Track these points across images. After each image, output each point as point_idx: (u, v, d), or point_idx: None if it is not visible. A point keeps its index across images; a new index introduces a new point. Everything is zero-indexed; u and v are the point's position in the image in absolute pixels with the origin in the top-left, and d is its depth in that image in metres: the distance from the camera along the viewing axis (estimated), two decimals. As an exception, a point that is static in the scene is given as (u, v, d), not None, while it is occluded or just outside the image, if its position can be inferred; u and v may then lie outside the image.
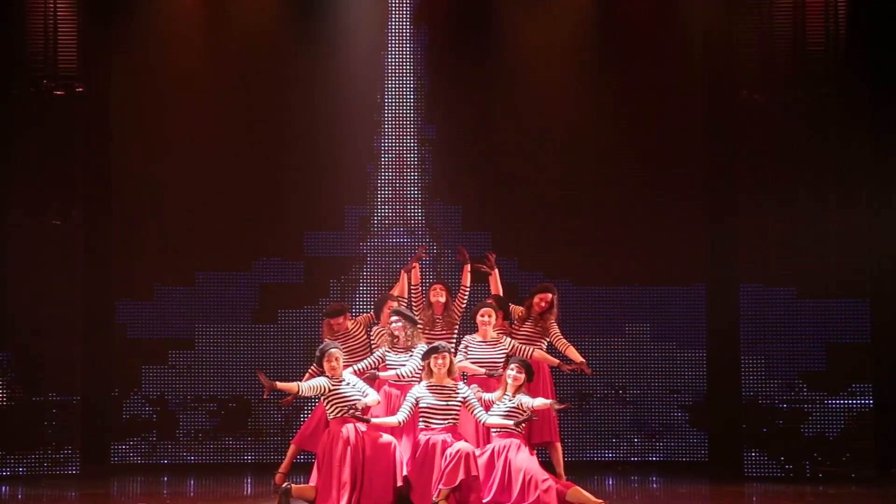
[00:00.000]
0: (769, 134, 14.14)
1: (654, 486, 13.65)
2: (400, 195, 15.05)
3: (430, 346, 11.33)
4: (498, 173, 14.97)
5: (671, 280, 14.82)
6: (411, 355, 11.64)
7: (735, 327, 14.18)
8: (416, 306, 12.28)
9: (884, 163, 14.20)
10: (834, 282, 13.95)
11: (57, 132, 14.11)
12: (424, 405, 11.15)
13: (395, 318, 11.76)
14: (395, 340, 11.76)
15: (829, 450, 13.87)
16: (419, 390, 11.20)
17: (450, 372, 11.21)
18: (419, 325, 11.98)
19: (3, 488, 13.30)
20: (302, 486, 11.12)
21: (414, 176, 15.06)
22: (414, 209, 15.05)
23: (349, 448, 10.95)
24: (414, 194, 15.06)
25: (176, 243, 14.78)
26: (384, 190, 15.04)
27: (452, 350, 11.59)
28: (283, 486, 10.95)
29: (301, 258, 14.88)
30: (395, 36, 15.05)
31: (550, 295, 12.09)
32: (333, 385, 11.09)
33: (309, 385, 11.08)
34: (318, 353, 11.24)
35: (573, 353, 11.89)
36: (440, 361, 11.15)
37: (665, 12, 14.90)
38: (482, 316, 11.81)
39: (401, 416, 11.18)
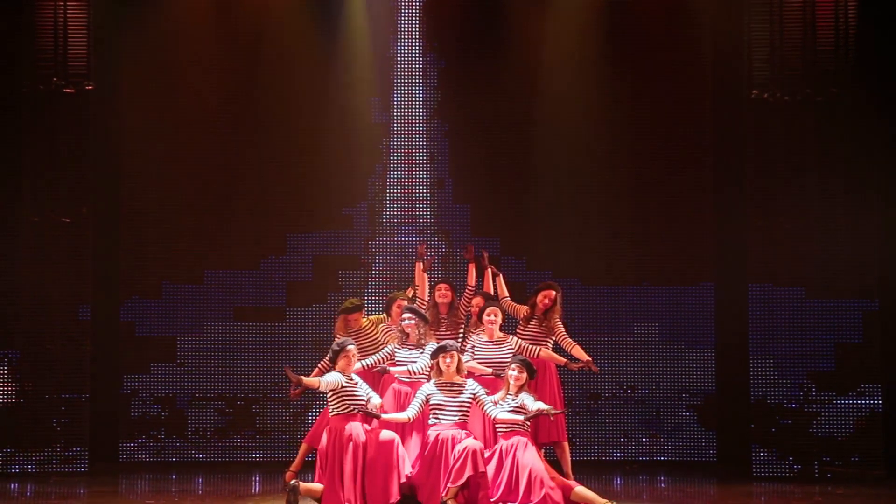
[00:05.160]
0: (779, 133, 14.11)
1: (662, 485, 13.62)
2: (409, 194, 15.05)
3: (439, 345, 11.34)
4: (507, 172, 14.96)
5: (680, 279, 14.81)
6: (422, 352, 11.61)
7: (743, 327, 14.16)
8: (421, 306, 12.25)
9: (894, 163, 14.16)
10: (843, 282, 13.93)
11: (66, 130, 14.12)
12: (435, 402, 11.16)
13: (407, 315, 11.75)
14: (406, 338, 11.75)
15: (837, 450, 13.85)
16: (429, 388, 11.22)
17: (458, 370, 11.22)
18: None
19: (13, 485, 13.31)
20: (310, 483, 11.14)
21: (423, 175, 15.06)
22: (422, 208, 15.04)
23: (351, 444, 10.97)
24: (422, 193, 15.06)
25: (185, 241, 14.81)
26: (393, 189, 15.04)
27: (460, 349, 11.58)
28: (291, 483, 10.97)
29: (310, 256, 14.89)
30: (405, 35, 15.05)
31: (554, 293, 12.00)
32: (346, 382, 11.11)
33: (327, 381, 11.09)
34: (335, 348, 11.23)
35: (579, 352, 11.83)
36: (448, 360, 11.17)
37: (675, 13, 14.89)
38: (488, 315, 11.75)
39: (411, 412, 11.19)
